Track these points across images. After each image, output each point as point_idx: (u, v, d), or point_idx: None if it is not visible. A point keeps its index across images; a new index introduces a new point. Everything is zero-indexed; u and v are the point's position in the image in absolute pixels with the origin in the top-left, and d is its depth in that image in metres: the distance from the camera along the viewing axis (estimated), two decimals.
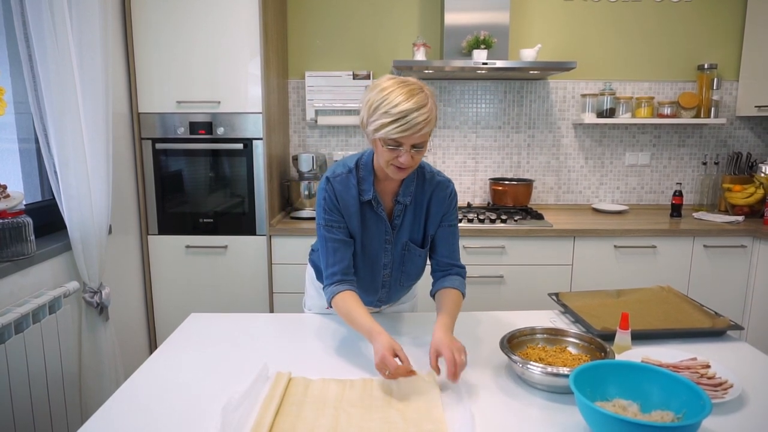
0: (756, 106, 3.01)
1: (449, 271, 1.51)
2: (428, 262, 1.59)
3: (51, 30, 1.81)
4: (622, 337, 1.37)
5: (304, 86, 3.10)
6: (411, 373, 1.23)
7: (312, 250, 1.73)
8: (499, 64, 2.68)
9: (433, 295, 1.50)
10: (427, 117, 1.26)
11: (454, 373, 1.20)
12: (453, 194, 1.51)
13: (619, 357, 1.30)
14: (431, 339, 1.27)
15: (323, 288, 1.47)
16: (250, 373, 1.28)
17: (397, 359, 1.20)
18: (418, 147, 1.31)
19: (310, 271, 1.74)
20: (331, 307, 1.43)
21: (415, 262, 1.55)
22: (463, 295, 1.47)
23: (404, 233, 1.50)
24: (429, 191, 1.48)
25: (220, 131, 2.61)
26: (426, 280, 1.58)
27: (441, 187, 1.49)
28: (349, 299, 1.37)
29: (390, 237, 1.49)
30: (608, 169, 3.27)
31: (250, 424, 1.06)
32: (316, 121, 3.11)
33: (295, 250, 2.66)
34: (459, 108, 3.20)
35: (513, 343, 1.34)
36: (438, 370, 1.23)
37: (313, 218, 2.80)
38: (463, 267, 1.53)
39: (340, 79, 3.08)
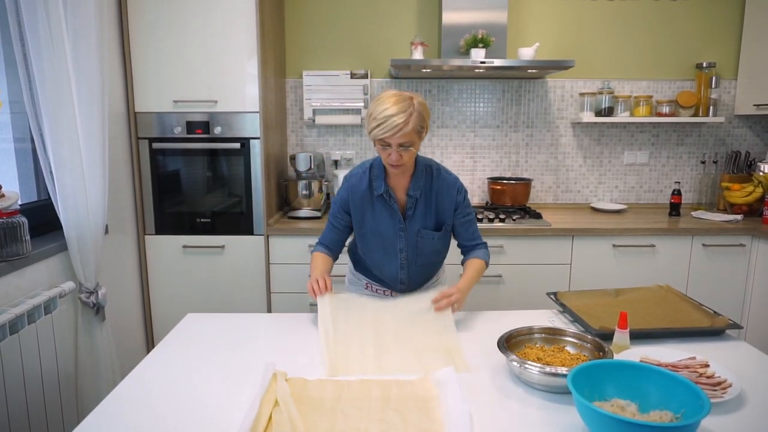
0: (754, 105, 3.01)
1: (473, 247, 1.79)
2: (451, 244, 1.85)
3: (46, 29, 1.80)
4: (621, 336, 1.37)
5: (302, 85, 3.09)
6: (326, 288, 1.58)
7: (347, 247, 1.95)
8: (497, 62, 2.68)
9: (462, 263, 1.80)
10: (405, 120, 1.50)
11: (439, 301, 1.54)
12: (461, 190, 1.75)
13: (618, 356, 1.30)
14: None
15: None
16: (247, 373, 1.28)
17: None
18: (405, 146, 1.55)
19: (349, 263, 1.98)
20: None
21: (429, 245, 1.76)
22: (487, 263, 1.77)
23: (416, 222, 1.72)
24: (437, 187, 1.71)
25: (217, 131, 2.60)
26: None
27: (447, 184, 1.72)
28: (317, 257, 1.75)
29: (403, 225, 1.71)
30: (607, 168, 3.27)
31: (247, 426, 1.05)
32: (313, 121, 3.10)
33: (292, 249, 2.65)
34: (457, 107, 3.19)
35: (511, 342, 1.33)
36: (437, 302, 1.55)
37: (310, 218, 2.80)
38: (484, 242, 1.81)
39: (338, 79, 3.07)
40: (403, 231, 1.71)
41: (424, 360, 1.37)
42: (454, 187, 1.72)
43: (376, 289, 1.88)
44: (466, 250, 1.81)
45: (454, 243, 1.84)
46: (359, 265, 1.89)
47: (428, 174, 1.71)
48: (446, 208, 1.72)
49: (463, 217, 1.76)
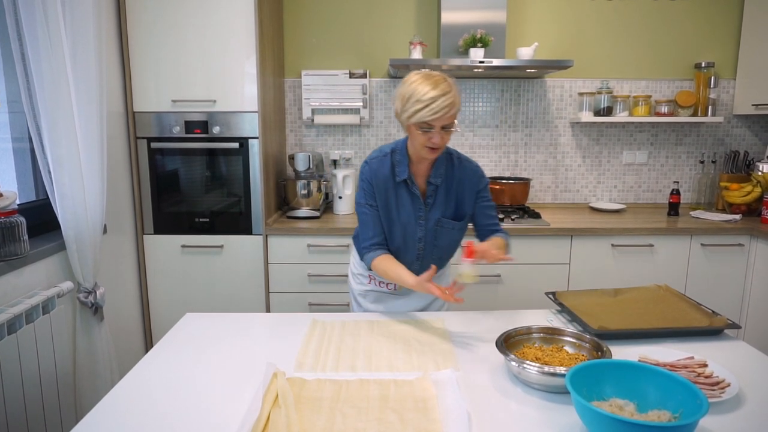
0: (753, 105, 3.01)
1: (496, 231, 1.73)
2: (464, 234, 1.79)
3: (44, 29, 1.80)
4: (467, 267, 1.43)
5: (301, 85, 3.09)
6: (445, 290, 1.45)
7: (354, 236, 1.87)
8: (496, 62, 2.68)
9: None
10: (452, 101, 1.47)
11: (487, 252, 1.45)
12: (483, 176, 1.73)
13: (470, 283, 1.42)
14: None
15: (363, 255, 1.70)
16: (246, 373, 1.28)
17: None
18: (447, 128, 1.52)
19: (354, 255, 1.91)
20: (371, 270, 1.71)
21: (448, 235, 1.73)
22: (508, 245, 1.71)
23: (437, 211, 1.69)
24: (458, 175, 1.69)
25: (215, 130, 2.60)
26: None
27: (470, 172, 1.71)
28: (387, 260, 1.63)
29: (423, 214, 1.68)
30: (605, 167, 3.27)
31: (249, 425, 1.05)
32: (312, 120, 3.10)
33: (291, 249, 2.65)
34: None
35: (509, 342, 1.33)
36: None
37: (309, 218, 2.80)
38: (505, 231, 1.75)
39: (337, 78, 3.07)
40: (423, 220, 1.68)
41: (414, 359, 1.37)
42: (476, 175, 1.70)
43: (379, 282, 1.82)
44: (489, 234, 1.72)
45: None
46: None
47: (449, 161, 1.68)
48: (467, 197, 1.69)
49: (484, 201, 1.73)
